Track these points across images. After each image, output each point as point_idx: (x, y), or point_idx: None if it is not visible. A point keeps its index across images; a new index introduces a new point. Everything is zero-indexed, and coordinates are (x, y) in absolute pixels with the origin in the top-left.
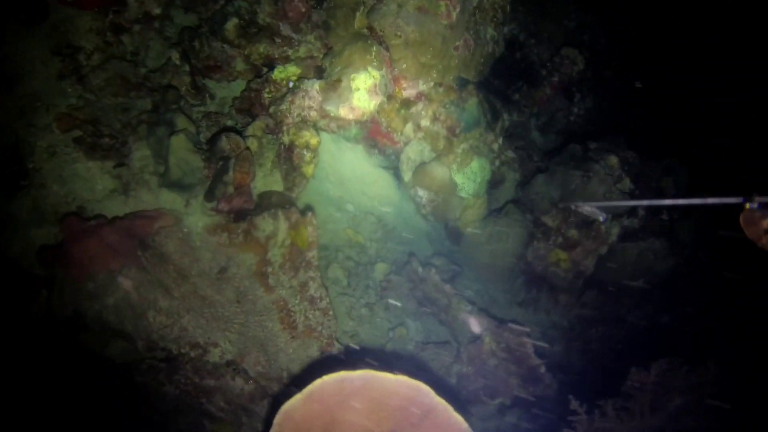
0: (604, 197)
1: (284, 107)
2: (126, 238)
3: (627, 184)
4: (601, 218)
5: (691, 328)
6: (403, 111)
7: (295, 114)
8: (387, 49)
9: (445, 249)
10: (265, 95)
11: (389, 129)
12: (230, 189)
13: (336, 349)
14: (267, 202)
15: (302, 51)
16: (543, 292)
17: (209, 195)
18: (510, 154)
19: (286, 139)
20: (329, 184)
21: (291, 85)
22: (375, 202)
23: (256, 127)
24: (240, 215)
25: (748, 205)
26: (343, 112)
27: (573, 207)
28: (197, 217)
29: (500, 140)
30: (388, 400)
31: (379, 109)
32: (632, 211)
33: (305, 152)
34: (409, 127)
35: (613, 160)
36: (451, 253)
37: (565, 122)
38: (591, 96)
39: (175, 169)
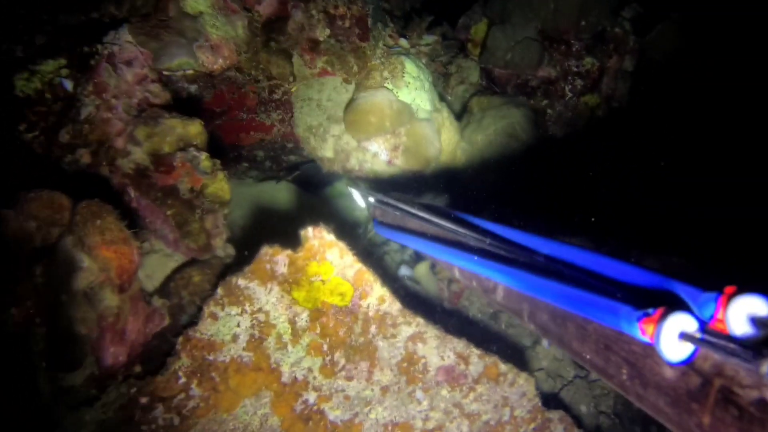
0: None
1: (88, 112)
2: None
3: None
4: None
5: None
6: (273, 43)
7: (122, 107)
8: None
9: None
10: (26, 134)
11: (271, 80)
12: (109, 303)
13: (556, 417)
14: (186, 292)
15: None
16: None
17: (58, 362)
18: (428, 38)
19: (137, 156)
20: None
21: (68, 84)
22: None
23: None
24: (153, 350)
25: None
26: (207, 57)
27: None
28: None
29: (396, 28)
30: None
31: (241, 59)
32: None
33: (193, 153)
34: (298, 62)
35: None
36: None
37: None
38: None
39: None
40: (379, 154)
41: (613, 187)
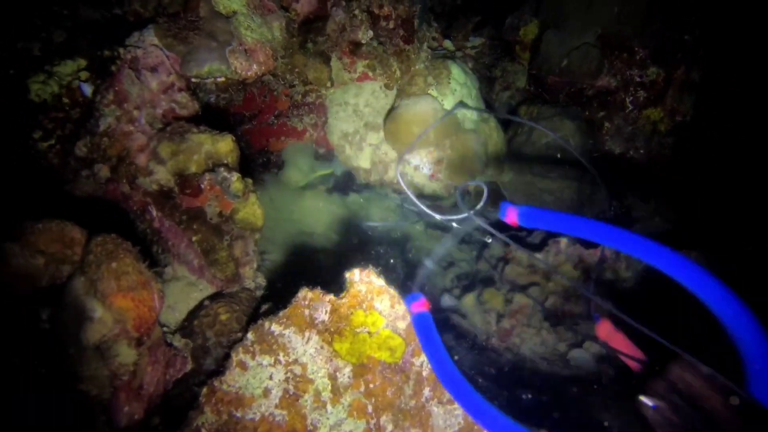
0: None
1: (107, 123)
2: None
3: None
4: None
5: None
6: (311, 44)
7: (145, 119)
8: None
9: None
10: (41, 143)
11: (307, 85)
12: (123, 360)
13: None
14: (211, 332)
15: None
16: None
17: (63, 425)
18: (475, 41)
19: (160, 176)
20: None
21: (87, 88)
22: (338, 236)
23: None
24: (174, 398)
25: None
26: (240, 64)
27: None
28: None
29: (440, 28)
30: None
31: (278, 65)
32: None
33: (223, 175)
34: (336, 66)
35: None
36: None
37: None
38: None
39: None
40: (421, 168)
41: None
